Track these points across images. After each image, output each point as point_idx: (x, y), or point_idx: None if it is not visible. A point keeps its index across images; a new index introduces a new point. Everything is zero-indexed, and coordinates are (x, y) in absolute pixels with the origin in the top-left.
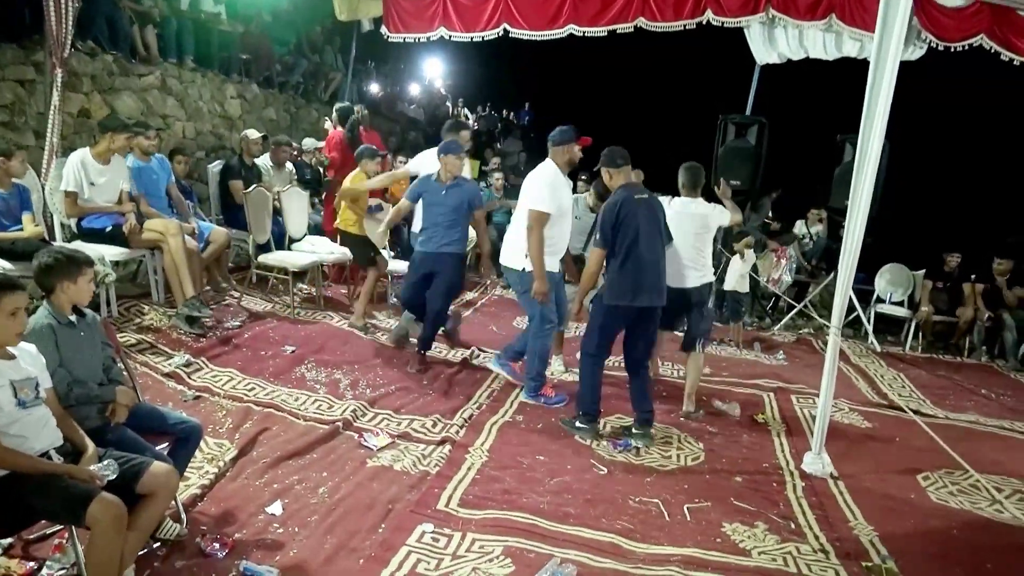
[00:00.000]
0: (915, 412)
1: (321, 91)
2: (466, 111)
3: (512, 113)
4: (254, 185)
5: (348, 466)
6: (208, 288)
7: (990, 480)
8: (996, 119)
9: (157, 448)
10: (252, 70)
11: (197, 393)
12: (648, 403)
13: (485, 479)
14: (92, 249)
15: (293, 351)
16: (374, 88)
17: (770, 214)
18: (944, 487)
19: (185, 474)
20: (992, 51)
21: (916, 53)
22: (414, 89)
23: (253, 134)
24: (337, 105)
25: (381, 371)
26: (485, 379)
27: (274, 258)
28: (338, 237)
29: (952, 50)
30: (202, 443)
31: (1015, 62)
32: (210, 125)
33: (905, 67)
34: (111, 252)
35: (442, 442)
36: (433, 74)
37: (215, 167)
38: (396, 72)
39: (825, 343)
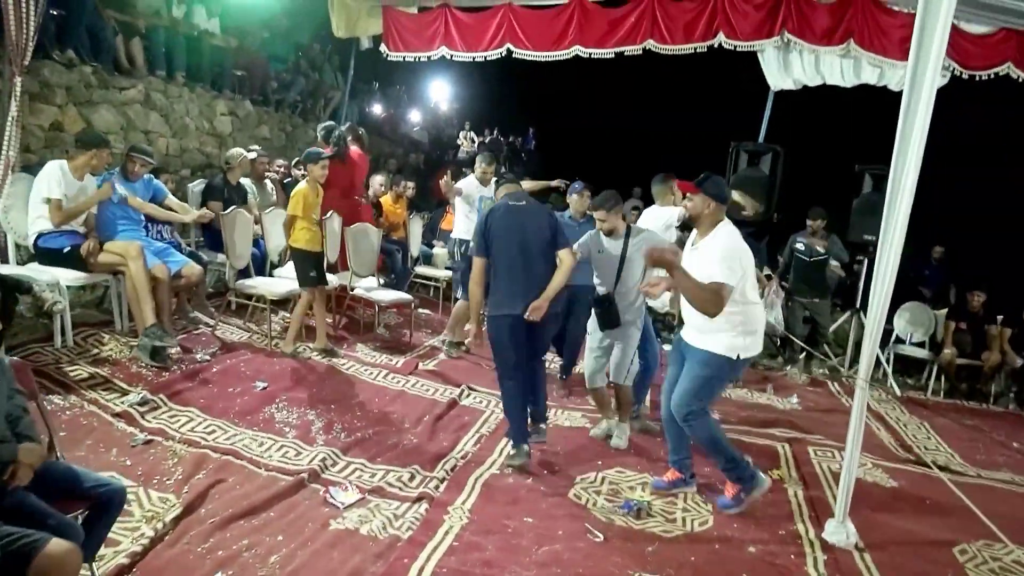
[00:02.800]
0: (943, 469)
1: (320, 110)
2: (472, 134)
3: (519, 138)
4: (232, 207)
5: (308, 528)
6: (176, 315)
7: None
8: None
9: (69, 516)
10: (246, 87)
11: (149, 436)
12: (540, 398)
13: (464, 547)
14: (48, 272)
15: (264, 388)
16: (376, 109)
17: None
18: (984, 563)
19: (115, 539)
20: (1021, 80)
21: (939, 82)
22: (419, 112)
23: (247, 153)
24: (321, 124)
25: (360, 411)
26: (473, 422)
27: (251, 285)
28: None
29: (977, 79)
30: (144, 498)
31: None
32: (197, 143)
33: None
34: (68, 276)
35: (418, 499)
36: (439, 96)
37: (196, 186)
38: (400, 93)
39: (842, 387)
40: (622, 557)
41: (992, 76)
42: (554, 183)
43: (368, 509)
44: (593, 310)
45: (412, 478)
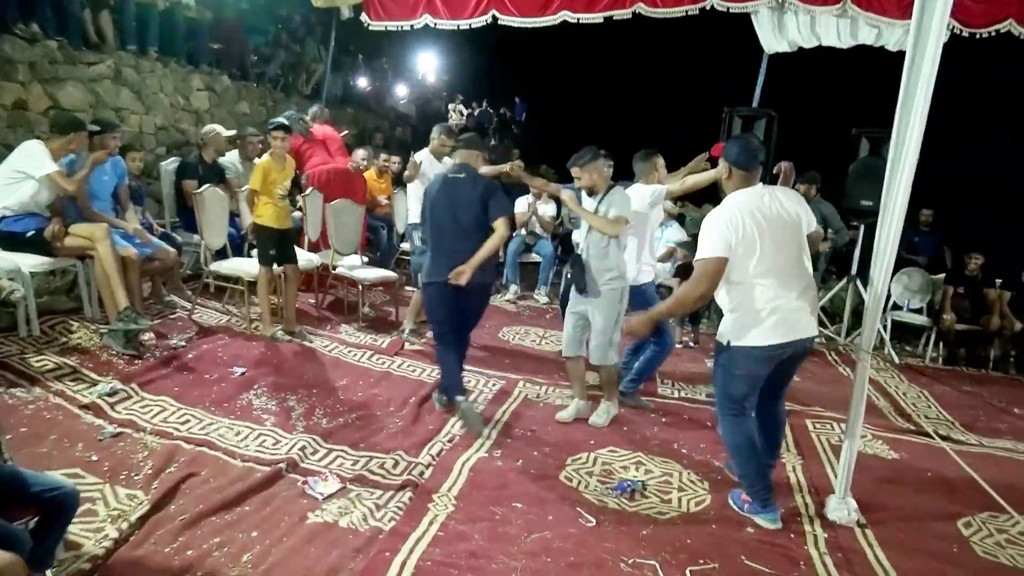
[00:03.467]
0: (945, 439)
1: (302, 84)
2: (461, 107)
3: (509, 110)
4: (206, 185)
5: (284, 522)
6: (150, 299)
7: None
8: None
9: (16, 524)
10: (223, 61)
11: (118, 428)
12: (458, 374)
13: (449, 537)
14: (7, 259)
15: (243, 373)
16: (362, 82)
17: None
18: (990, 536)
19: (77, 541)
20: (1021, 36)
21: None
22: (405, 85)
23: (221, 131)
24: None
25: (343, 395)
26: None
27: (227, 266)
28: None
29: (977, 36)
30: (110, 496)
31: None
32: (172, 119)
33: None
34: (31, 261)
35: (402, 487)
36: (426, 68)
37: (170, 165)
38: (385, 66)
39: (840, 356)
40: (615, 542)
41: (992, 34)
42: (506, 167)
43: (349, 499)
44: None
45: (396, 464)
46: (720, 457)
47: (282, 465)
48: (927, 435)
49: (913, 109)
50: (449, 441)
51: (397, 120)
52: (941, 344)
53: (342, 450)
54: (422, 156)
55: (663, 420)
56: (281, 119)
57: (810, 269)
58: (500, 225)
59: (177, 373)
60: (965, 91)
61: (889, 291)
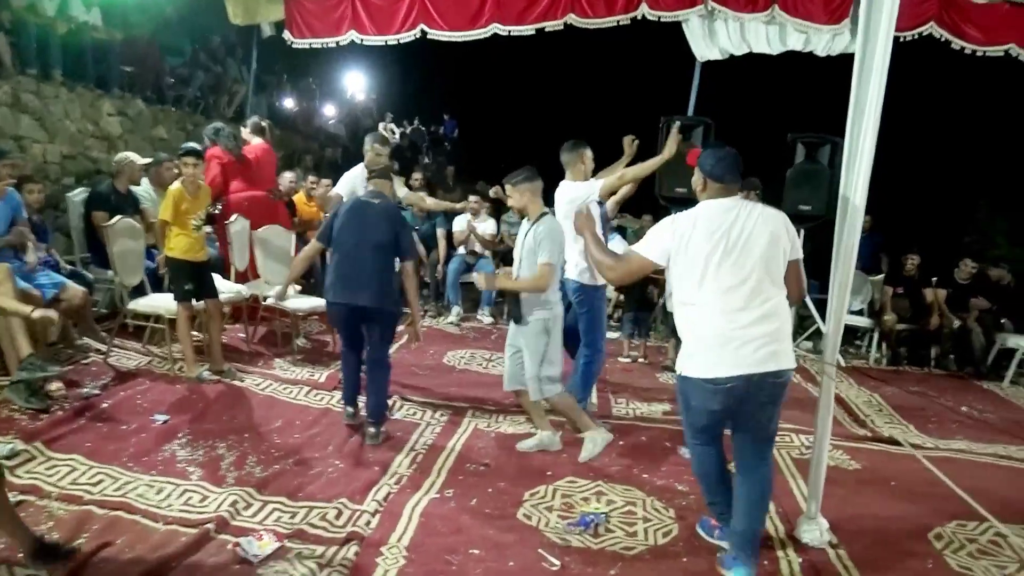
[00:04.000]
0: (898, 444)
1: (224, 106)
2: (392, 126)
3: (441, 127)
4: (118, 216)
5: None
6: (58, 343)
7: (1009, 530)
8: (951, 112)
9: None
10: (137, 84)
11: (19, 496)
12: (381, 405)
13: None
14: None
15: (165, 421)
16: (288, 103)
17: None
18: (962, 547)
19: None
20: (943, 39)
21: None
22: (334, 105)
23: (135, 159)
24: (209, 127)
25: (279, 438)
26: (407, 438)
27: (145, 303)
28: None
29: (902, 40)
30: None
31: (966, 51)
32: (81, 147)
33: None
34: None
35: (347, 540)
36: (355, 87)
37: (77, 196)
38: (312, 85)
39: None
40: None
41: (916, 36)
42: (459, 206)
43: (288, 560)
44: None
45: (339, 514)
46: (683, 480)
47: (210, 525)
48: (886, 442)
49: (866, 113)
50: (396, 483)
51: (327, 141)
52: (884, 345)
53: (279, 502)
54: (346, 184)
55: (620, 443)
56: (191, 144)
57: (780, 296)
58: (409, 267)
59: (90, 426)
60: (890, 92)
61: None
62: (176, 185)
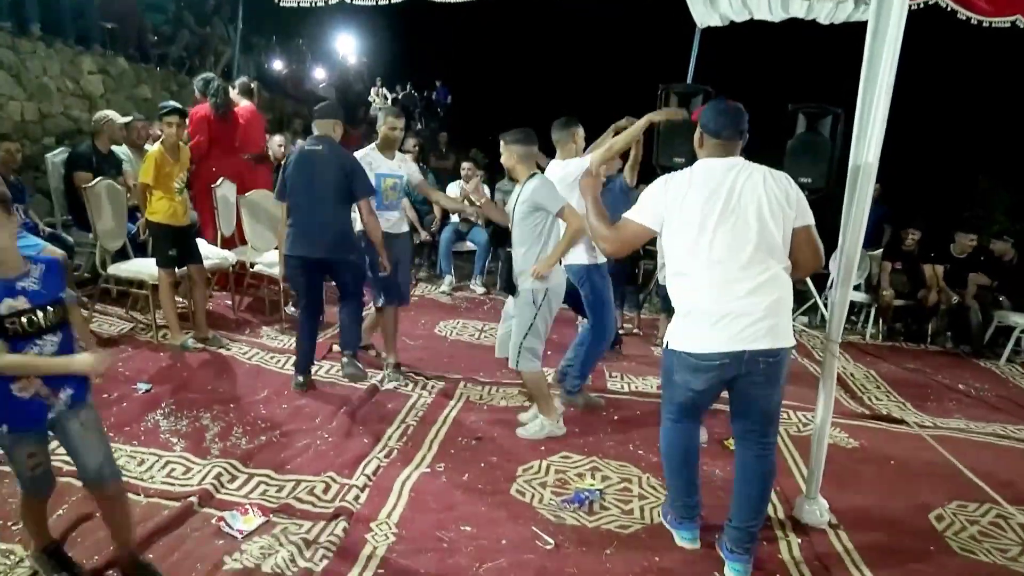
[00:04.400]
0: (900, 422)
1: (210, 66)
2: (384, 90)
3: (434, 92)
4: (99, 178)
5: (196, 572)
6: None
7: (1016, 510)
8: (954, 84)
9: None
10: (119, 41)
11: None
12: (353, 336)
13: (391, 574)
14: None
15: (148, 390)
16: (277, 65)
17: None
18: (963, 529)
19: None
20: (948, 9)
21: (868, 13)
22: (324, 68)
23: (115, 117)
24: (198, 76)
25: (265, 409)
26: (398, 410)
27: (127, 268)
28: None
29: (911, 8)
30: None
31: (972, 21)
32: (61, 106)
33: (856, 28)
34: None
35: (335, 516)
36: (346, 50)
37: (57, 156)
38: (302, 47)
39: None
40: (578, 566)
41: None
42: (469, 210)
43: (273, 536)
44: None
45: (327, 488)
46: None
47: (193, 499)
48: (884, 419)
49: (878, 83)
50: (386, 456)
51: (317, 104)
52: (880, 320)
53: (264, 475)
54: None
55: (615, 418)
56: (173, 103)
57: (781, 267)
58: (364, 205)
59: None
60: (911, 65)
61: (827, 268)
62: (156, 146)
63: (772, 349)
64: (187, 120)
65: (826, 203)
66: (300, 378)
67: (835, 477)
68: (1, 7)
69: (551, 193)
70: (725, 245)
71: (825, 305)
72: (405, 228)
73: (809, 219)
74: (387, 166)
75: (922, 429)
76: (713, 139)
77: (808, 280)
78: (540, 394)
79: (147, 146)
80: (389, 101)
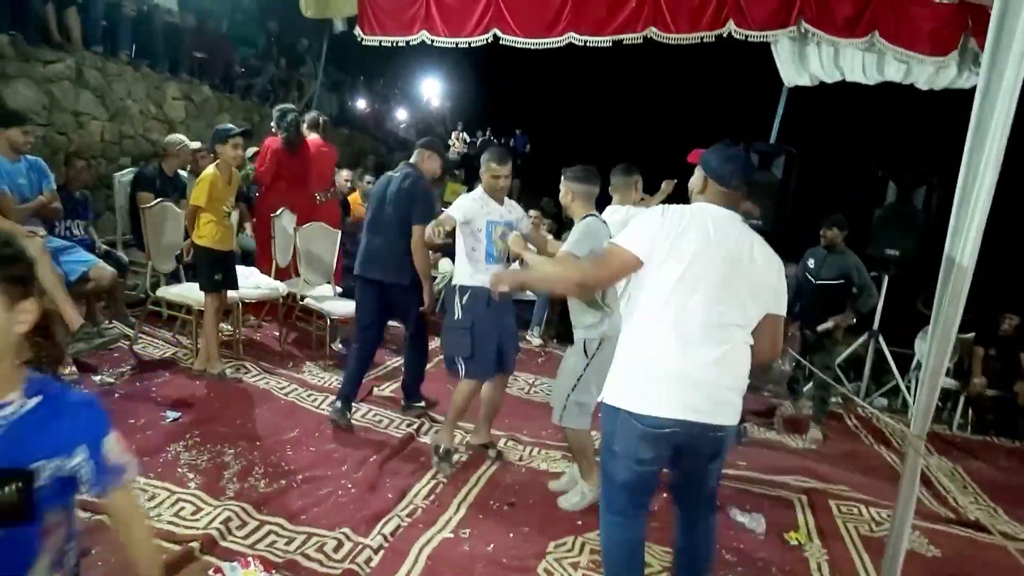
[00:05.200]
0: (985, 530)
1: (294, 100)
2: (464, 135)
3: (512, 139)
4: (158, 199)
5: None
6: (85, 324)
7: None
8: None
9: None
10: (207, 71)
11: None
12: (410, 378)
13: None
14: None
15: (176, 419)
16: (361, 104)
17: None
18: None
19: None
20: None
21: (972, 80)
22: (406, 109)
23: (188, 143)
24: (278, 106)
25: (292, 450)
26: (429, 464)
27: (175, 292)
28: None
29: None
30: None
31: None
32: (141, 128)
33: (958, 95)
34: None
35: None
36: (431, 93)
37: (124, 176)
38: (384, 87)
39: (860, 421)
40: None
41: None
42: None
43: None
44: None
45: (339, 546)
46: (731, 548)
47: (195, 544)
48: (972, 526)
49: (985, 152)
50: (409, 516)
51: (396, 145)
52: (970, 410)
53: (277, 524)
54: (465, 207)
55: (665, 495)
56: (233, 126)
57: (747, 345)
58: (415, 231)
59: None
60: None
61: (911, 348)
62: (211, 169)
63: (722, 426)
64: (243, 144)
65: (914, 279)
66: (338, 404)
67: None
68: (94, 30)
69: (581, 236)
70: (706, 300)
71: (908, 388)
72: None
73: (783, 309)
74: (498, 212)
75: (1015, 542)
76: (720, 187)
77: (890, 358)
78: (583, 456)
79: None
80: (467, 145)
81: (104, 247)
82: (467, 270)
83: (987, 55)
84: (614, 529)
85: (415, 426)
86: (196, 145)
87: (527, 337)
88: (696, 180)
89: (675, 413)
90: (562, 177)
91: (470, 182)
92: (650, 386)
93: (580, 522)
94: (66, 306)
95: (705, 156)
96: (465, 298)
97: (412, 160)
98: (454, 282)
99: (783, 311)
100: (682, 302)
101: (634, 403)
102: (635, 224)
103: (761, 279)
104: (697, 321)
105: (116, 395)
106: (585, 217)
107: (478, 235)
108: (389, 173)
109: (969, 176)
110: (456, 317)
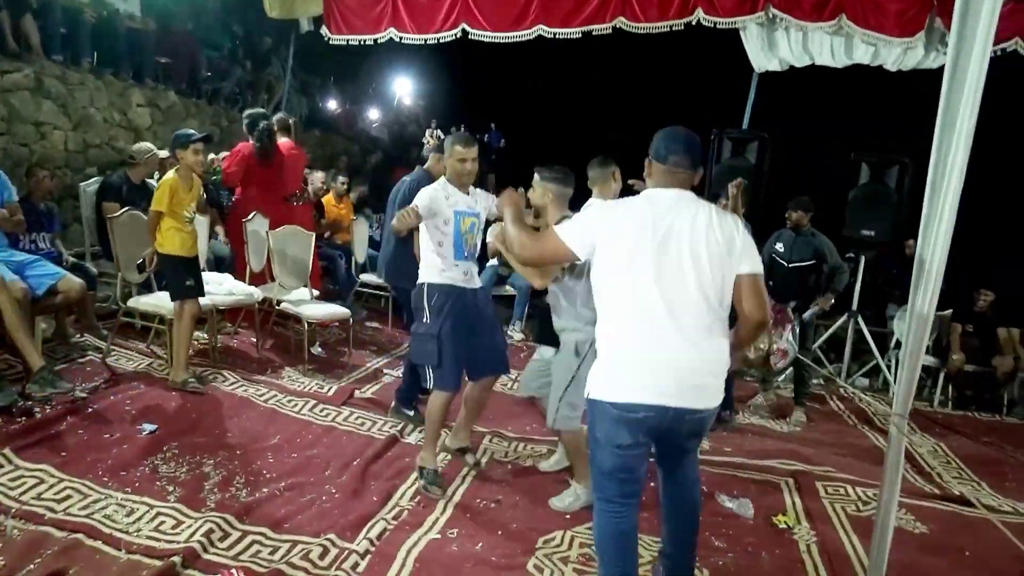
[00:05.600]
0: (967, 503)
1: (263, 103)
2: (439, 132)
3: (486, 135)
4: (125, 208)
5: None
6: (53, 340)
7: None
8: None
9: None
10: (172, 76)
11: None
12: (404, 381)
13: None
14: None
15: (152, 432)
16: (331, 104)
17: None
18: None
19: None
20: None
21: (939, 60)
22: (378, 109)
23: (157, 152)
24: (247, 111)
25: (273, 457)
26: (414, 466)
27: (146, 302)
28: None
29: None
30: None
31: None
32: (106, 137)
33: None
34: None
35: None
36: (402, 92)
37: (90, 186)
38: (358, 88)
39: (843, 403)
40: None
41: (998, 53)
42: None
43: None
44: None
45: (324, 553)
46: (720, 534)
47: (176, 559)
48: (957, 501)
49: (956, 130)
50: (395, 518)
51: (368, 144)
52: (950, 386)
53: (260, 534)
54: (430, 197)
55: (651, 484)
56: (193, 132)
57: (721, 319)
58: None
59: (70, 432)
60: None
61: (889, 327)
62: (170, 174)
63: (698, 409)
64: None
65: (888, 258)
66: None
67: (900, 567)
68: (54, 39)
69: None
70: (660, 285)
71: (888, 368)
72: (478, 283)
73: (757, 267)
74: (465, 202)
75: (999, 514)
76: (661, 165)
77: (869, 338)
78: (579, 458)
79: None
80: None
81: (72, 259)
82: (435, 267)
83: (954, 34)
84: (606, 518)
85: (399, 427)
86: (164, 153)
87: (509, 332)
88: (646, 166)
89: (647, 399)
90: (536, 176)
91: None
92: (623, 375)
93: (568, 516)
94: (27, 347)
95: (653, 140)
96: (434, 299)
97: (427, 165)
98: (420, 280)
99: (756, 269)
100: (637, 291)
101: (609, 392)
102: (576, 218)
103: (719, 247)
104: (658, 307)
105: (90, 409)
106: (563, 219)
107: (445, 228)
108: (404, 177)
109: (940, 156)
110: (424, 320)
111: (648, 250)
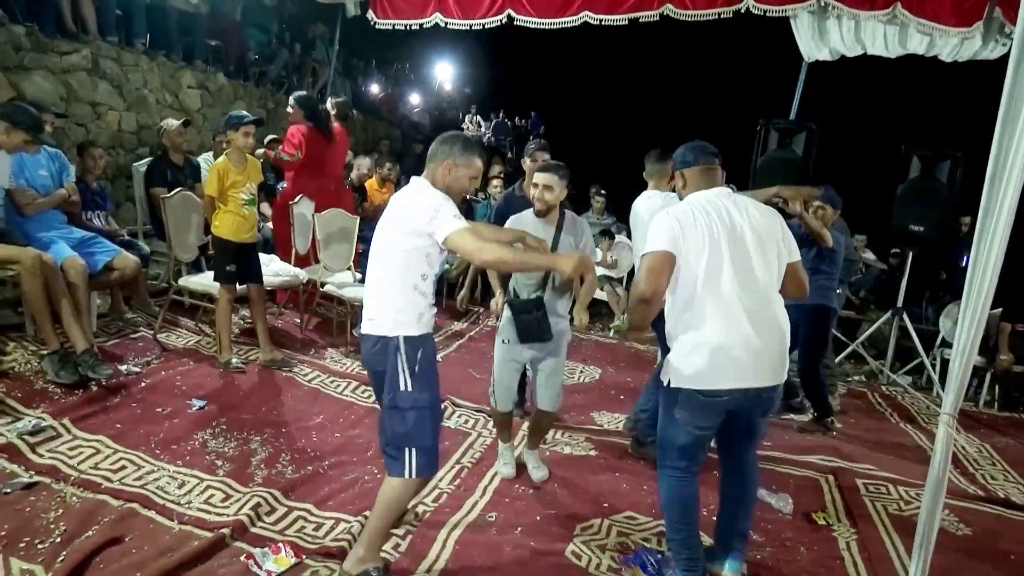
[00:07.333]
0: (1014, 506)
1: (308, 86)
2: (479, 118)
3: (526, 121)
4: (178, 189)
5: None
6: (108, 316)
7: None
8: None
9: None
10: (221, 59)
11: (35, 477)
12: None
13: None
14: None
15: (202, 408)
16: (374, 88)
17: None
18: None
19: None
20: None
21: (997, 51)
22: (419, 93)
23: (171, 124)
24: (296, 94)
25: (317, 436)
26: (454, 448)
27: (196, 281)
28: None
29: None
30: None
31: None
32: (158, 118)
33: (982, 66)
34: None
35: None
36: (444, 77)
37: (142, 166)
38: (398, 72)
39: (884, 399)
40: None
41: None
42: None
43: None
44: (512, 316)
45: None
46: (759, 528)
47: (226, 531)
48: (1003, 504)
49: (1020, 122)
50: (434, 501)
51: (410, 129)
52: (997, 387)
53: (305, 510)
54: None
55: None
56: (246, 114)
57: (781, 302)
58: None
59: (124, 405)
60: None
61: (936, 326)
62: (220, 158)
63: (773, 385)
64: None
65: (936, 254)
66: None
67: (941, 570)
68: (109, 20)
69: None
70: (732, 277)
71: (932, 366)
72: None
73: (797, 254)
74: (541, 225)
75: None
76: (694, 168)
77: (914, 336)
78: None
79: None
80: (482, 129)
81: (125, 237)
82: (412, 310)
83: (1021, 23)
84: (674, 482)
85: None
86: (174, 123)
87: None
88: (676, 183)
89: (731, 384)
90: (555, 177)
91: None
92: (708, 363)
93: (606, 504)
94: (73, 329)
95: (674, 159)
96: (418, 356)
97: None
98: (391, 332)
99: (797, 256)
100: (715, 284)
101: (696, 380)
102: (653, 229)
103: (770, 237)
104: (734, 297)
105: (142, 384)
106: (563, 214)
107: (439, 258)
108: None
109: (1001, 148)
110: (404, 389)
111: (721, 242)
